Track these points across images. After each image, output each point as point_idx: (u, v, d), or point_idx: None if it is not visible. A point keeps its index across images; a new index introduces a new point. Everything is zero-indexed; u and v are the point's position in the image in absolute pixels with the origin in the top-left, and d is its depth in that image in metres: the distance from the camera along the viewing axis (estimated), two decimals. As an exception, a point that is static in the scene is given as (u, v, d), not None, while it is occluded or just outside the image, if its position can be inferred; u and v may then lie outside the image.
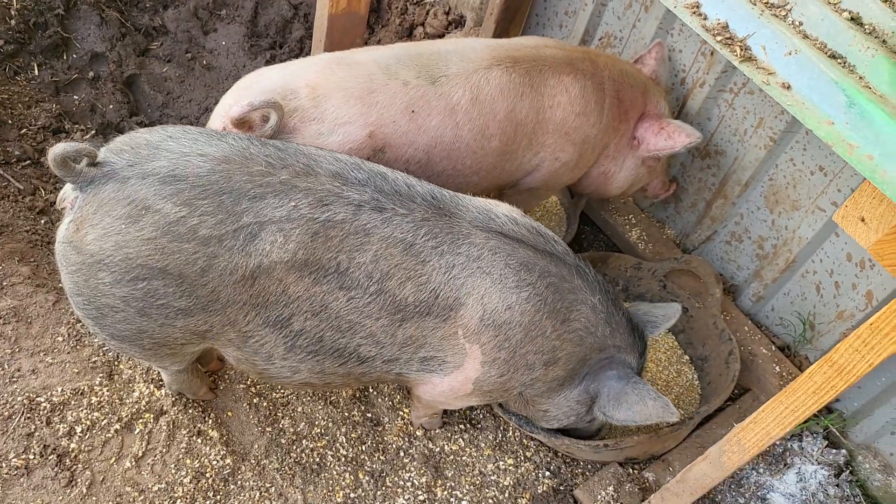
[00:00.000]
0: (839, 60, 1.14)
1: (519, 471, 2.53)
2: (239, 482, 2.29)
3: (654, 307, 2.34)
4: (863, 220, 1.13)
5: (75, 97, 3.55)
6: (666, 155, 2.63)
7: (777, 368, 2.80)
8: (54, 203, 3.03)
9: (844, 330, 2.65)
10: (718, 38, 1.13)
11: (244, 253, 1.71)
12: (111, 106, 3.52)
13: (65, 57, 3.61)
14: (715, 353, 2.77)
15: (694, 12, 1.17)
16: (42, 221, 2.92)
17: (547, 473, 2.53)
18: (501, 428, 2.64)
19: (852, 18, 1.24)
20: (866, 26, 1.23)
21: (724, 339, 2.73)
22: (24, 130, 3.26)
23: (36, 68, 3.51)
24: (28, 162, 3.11)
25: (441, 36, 3.79)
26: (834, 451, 2.76)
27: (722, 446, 1.82)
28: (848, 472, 2.74)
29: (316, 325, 1.87)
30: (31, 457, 2.14)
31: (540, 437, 2.43)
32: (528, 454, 2.58)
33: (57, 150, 1.59)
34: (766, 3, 1.20)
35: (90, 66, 3.63)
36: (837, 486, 2.72)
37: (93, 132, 3.41)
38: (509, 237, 1.94)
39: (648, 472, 2.51)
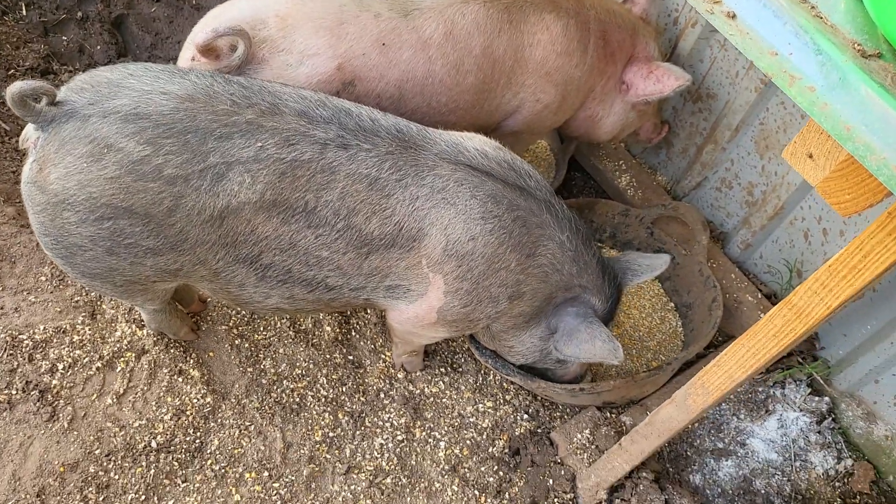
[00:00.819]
0: (793, -11, 1.09)
1: (497, 413, 2.55)
2: (219, 420, 2.33)
3: (642, 256, 2.32)
4: (811, 156, 1.10)
5: (63, 38, 3.51)
6: (655, 99, 2.58)
7: (762, 316, 2.77)
8: (41, 145, 3.03)
9: (830, 278, 2.61)
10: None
11: (211, 193, 1.70)
12: (99, 47, 3.48)
13: (52, -3, 3.56)
14: (699, 300, 2.75)
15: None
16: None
17: (525, 416, 2.56)
18: (482, 372, 2.66)
19: (812, -56, 1.18)
20: (827, -48, 1.18)
21: (708, 287, 2.71)
22: (11, 72, 3.24)
23: (24, 8, 3.46)
24: (15, 103, 3.10)
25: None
26: (817, 398, 2.77)
27: (687, 389, 1.82)
28: (830, 419, 2.75)
29: (284, 260, 1.89)
30: (14, 392, 2.18)
31: (516, 380, 2.45)
32: (508, 398, 2.61)
33: (14, 88, 1.57)
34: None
35: (78, 6, 3.58)
36: (819, 433, 2.73)
37: (80, 73, 3.38)
38: (478, 169, 1.93)
39: (626, 416, 2.52)
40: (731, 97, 2.71)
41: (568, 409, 2.61)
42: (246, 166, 1.72)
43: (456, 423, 2.52)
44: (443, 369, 2.65)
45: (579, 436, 2.43)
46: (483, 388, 2.62)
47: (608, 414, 2.54)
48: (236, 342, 2.52)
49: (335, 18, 2.10)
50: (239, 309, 2.54)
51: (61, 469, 2.11)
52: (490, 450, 2.47)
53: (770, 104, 2.58)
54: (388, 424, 2.48)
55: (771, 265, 2.85)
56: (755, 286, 2.86)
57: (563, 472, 2.40)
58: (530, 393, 2.62)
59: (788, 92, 0.98)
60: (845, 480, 2.67)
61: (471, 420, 2.53)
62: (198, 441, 2.27)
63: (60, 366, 2.27)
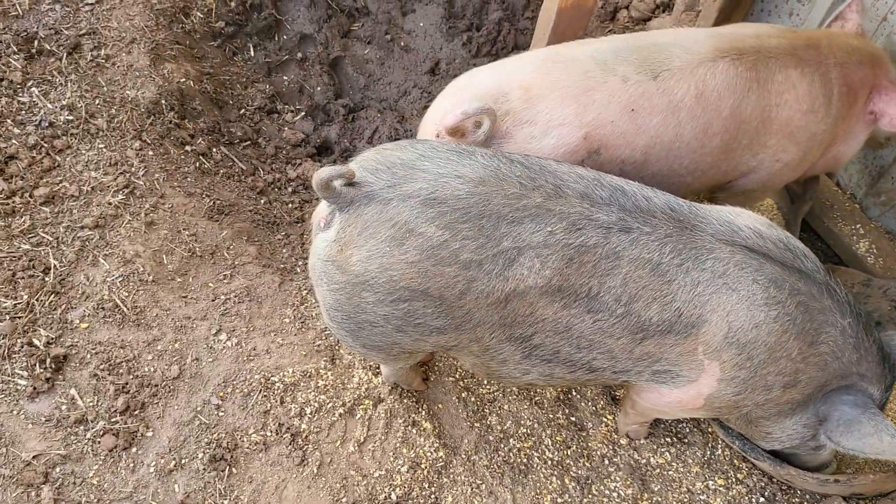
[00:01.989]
0: None
1: (730, 493, 2.43)
2: (451, 476, 2.35)
3: None
4: None
5: (285, 78, 3.70)
6: None
7: None
8: (272, 184, 3.20)
9: None
10: None
11: (502, 278, 1.71)
12: (318, 88, 3.64)
13: (276, 38, 3.77)
14: (957, 386, 2.51)
15: None
16: (262, 201, 3.08)
17: (761, 500, 2.41)
18: (710, 445, 2.54)
19: None
20: None
21: (970, 373, 2.47)
22: (242, 111, 3.45)
23: (251, 49, 3.68)
24: (248, 142, 3.29)
25: (647, 20, 3.61)
26: None
27: None
28: None
29: (556, 342, 1.87)
30: (269, 434, 2.28)
31: (765, 466, 2.32)
32: (740, 476, 2.47)
33: (322, 174, 1.63)
34: None
35: (299, 48, 3.77)
36: None
37: (303, 113, 3.55)
38: (755, 251, 1.84)
39: (877, 512, 2.33)
40: None
41: (808, 496, 2.45)
42: (536, 251, 1.71)
43: (685, 500, 2.41)
44: (668, 439, 2.55)
45: (826, 529, 2.26)
46: (712, 463, 2.50)
47: (855, 506, 2.36)
48: (463, 395, 2.53)
49: (581, 86, 2.06)
50: (489, 380, 2.55)
51: (311, 514, 2.18)
52: (723, 532, 2.35)
53: None
54: (615, 494, 2.41)
55: None
56: None
57: (808, 567, 2.25)
58: (764, 473, 2.47)
59: None
60: None
61: (701, 497, 2.42)
62: (433, 497, 2.29)
63: (308, 410, 2.35)
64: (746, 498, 2.42)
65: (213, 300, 2.54)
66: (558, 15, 2.51)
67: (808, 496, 2.44)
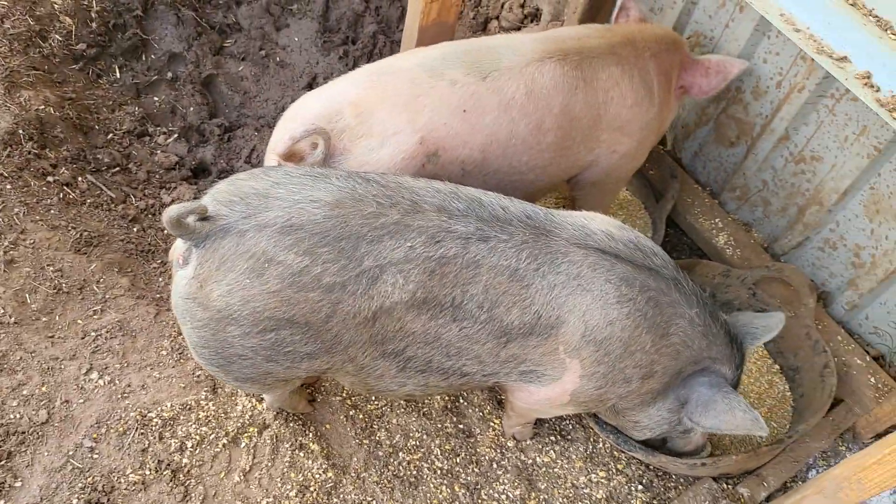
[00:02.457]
0: None
1: (611, 484, 2.54)
2: (341, 496, 2.35)
3: (756, 317, 2.30)
4: None
5: (155, 99, 3.59)
6: (723, 87, 2.69)
7: (872, 380, 2.74)
8: (145, 210, 3.10)
9: (947, 344, 2.58)
10: (895, 114, 1.08)
11: (367, 296, 1.73)
12: (191, 108, 3.55)
13: (143, 58, 3.65)
14: (808, 364, 2.72)
15: (865, 83, 1.11)
16: (135, 229, 2.98)
17: (640, 487, 2.54)
18: (592, 440, 2.65)
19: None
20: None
21: (818, 351, 2.68)
22: (109, 136, 3.32)
23: (117, 70, 3.55)
24: (117, 168, 3.18)
25: (517, 30, 3.72)
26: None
27: (840, 482, 1.80)
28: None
29: (427, 353, 1.91)
30: (147, 472, 2.22)
31: (638, 455, 2.44)
32: (620, 467, 2.59)
33: (171, 212, 1.60)
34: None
35: (168, 67, 3.67)
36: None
37: (175, 135, 3.45)
38: (607, 253, 1.94)
39: (743, 489, 2.50)
40: (838, 161, 2.69)
41: (682, 479, 2.59)
42: (398, 267, 1.74)
43: (570, 495, 2.51)
44: (552, 437, 2.64)
45: (699, 509, 2.41)
46: (594, 457, 2.61)
47: (724, 485, 2.52)
48: (350, 413, 2.54)
49: (409, 94, 2.11)
50: (369, 396, 2.56)
51: (197, 550, 2.14)
52: (607, 522, 2.46)
53: (882, 170, 2.56)
54: (503, 496, 2.47)
55: (878, 327, 2.81)
56: (862, 348, 2.82)
57: (684, 548, 2.39)
58: (642, 462, 2.61)
59: None
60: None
61: (585, 491, 2.52)
62: (323, 518, 2.29)
63: (189, 443, 2.30)
64: (626, 487, 2.54)
65: (83, 338, 2.45)
66: (420, 32, 2.55)
67: (682, 480, 2.59)
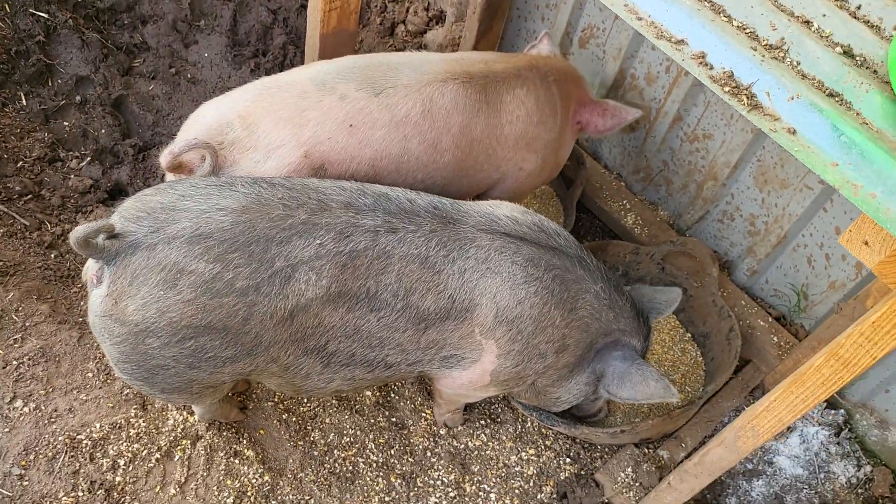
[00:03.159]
0: (836, 99, 1.23)
1: (541, 459, 2.66)
2: (279, 497, 2.40)
3: (657, 292, 2.45)
4: (866, 243, 1.24)
5: (66, 123, 3.55)
6: (616, 131, 2.80)
7: (775, 339, 2.94)
8: (61, 236, 3.07)
9: (837, 299, 2.79)
10: (726, 88, 1.22)
11: (282, 296, 1.79)
12: (103, 130, 3.53)
13: (50, 83, 3.61)
14: (716, 329, 2.90)
15: (700, 62, 1.25)
16: (52, 256, 2.96)
17: (567, 460, 2.67)
18: (520, 420, 2.76)
19: (844, 52, 1.33)
20: (857, 58, 1.33)
21: (723, 317, 2.86)
22: (20, 163, 3.28)
23: (23, 98, 3.50)
24: (29, 196, 3.14)
25: (423, 33, 3.82)
26: (833, 411, 2.93)
27: (737, 432, 1.94)
28: (847, 430, 2.91)
29: (349, 346, 1.99)
30: (80, 494, 2.23)
31: (561, 429, 2.56)
32: (548, 443, 2.71)
33: (77, 233, 1.62)
34: (766, 45, 1.28)
35: (77, 91, 3.63)
36: (838, 444, 2.89)
37: (88, 158, 3.43)
38: (512, 236, 2.05)
39: (663, 451, 2.65)
40: (727, 137, 2.87)
41: (607, 449, 2.73)
42: (310, 265, 1.81)
43: (503, 474, 2.62)
44: (482, 421, 2.75)
45: (623, 475, 2.55)
46: (523, 436, 2.72)
47: (646, 450, 2.67)
48: (283, 416, 2.59)
49: (295, 107, 2.12)
50: (299, 397, 2.61)
51: (136, 565, 2.16)
52: (538, 496, 2.57)
53: (766, 142, 2.75)
54: (439, 482, 2.56)
55: (777, 289, 3.02)
56: (765, 310, 3.02)
57: (611, 512, 2.52)
58: (568, 436, 2.73)
59: (854, 200, 1.11)
60: (867, 486, 2.83)
61: (516, 469, 2.64)
62: (262, 521, 2.33)
63: (121, 461, 2.31)
64: (555, 461, 2.67)
65: (5, 367, 2.43)
66: (322, 41, 2.62)
67: (606, 449, 2.73)
